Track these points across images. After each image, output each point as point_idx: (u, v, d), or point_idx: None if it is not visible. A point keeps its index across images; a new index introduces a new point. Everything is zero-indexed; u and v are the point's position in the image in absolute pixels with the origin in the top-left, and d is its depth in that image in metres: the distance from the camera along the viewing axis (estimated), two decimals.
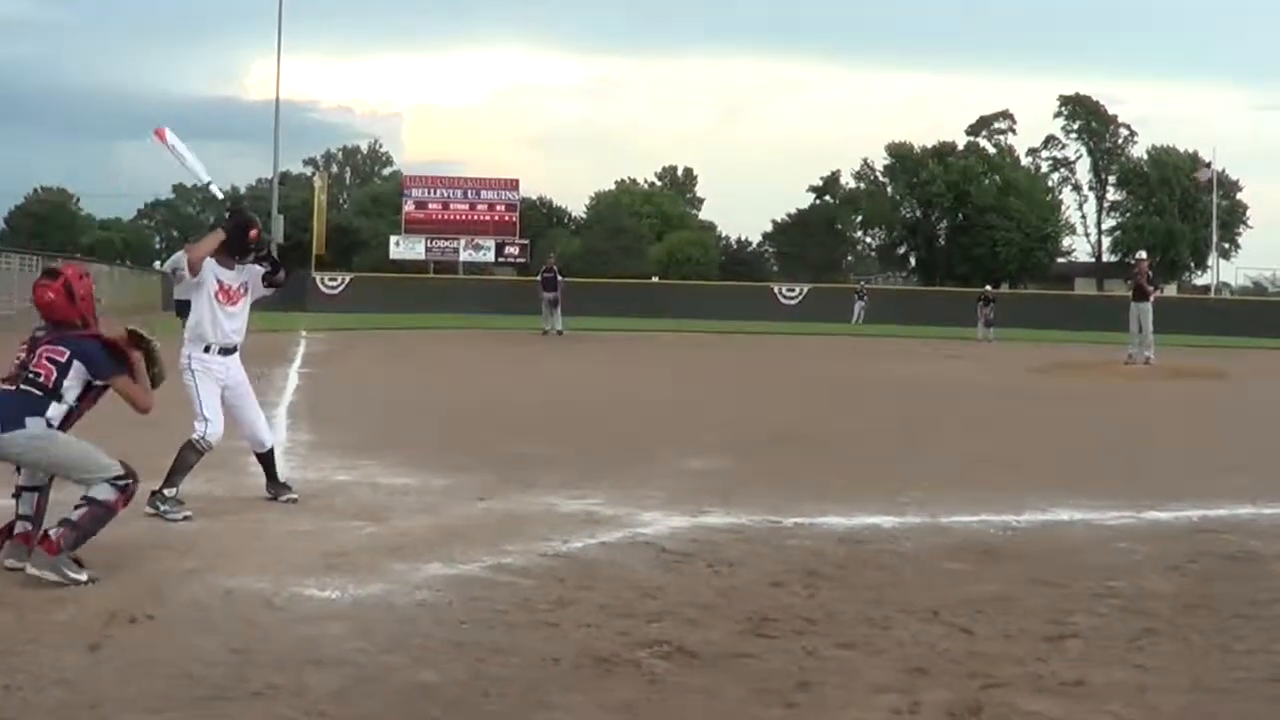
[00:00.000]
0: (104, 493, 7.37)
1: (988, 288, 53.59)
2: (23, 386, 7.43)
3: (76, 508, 7.33)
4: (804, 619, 6.75)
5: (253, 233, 9.57)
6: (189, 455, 9.44)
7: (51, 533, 7.22)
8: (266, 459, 10.06)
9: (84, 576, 7.09)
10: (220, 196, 10.09)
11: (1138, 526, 9.59)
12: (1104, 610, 7.09)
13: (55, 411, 7.45)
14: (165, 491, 9.09)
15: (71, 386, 7.50)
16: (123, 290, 60.50)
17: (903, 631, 6.55)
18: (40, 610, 6.61)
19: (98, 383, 7.61)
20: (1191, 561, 8.36)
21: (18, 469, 7.65)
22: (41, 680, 5.50)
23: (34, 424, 7.34)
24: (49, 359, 7.48)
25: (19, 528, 7.48)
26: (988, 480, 11.70)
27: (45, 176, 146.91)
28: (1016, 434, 16.29)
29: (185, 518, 8.98)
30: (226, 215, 9.66)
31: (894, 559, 8.31)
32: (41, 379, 7.43)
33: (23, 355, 7.57)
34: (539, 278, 41.68)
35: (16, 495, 7.62)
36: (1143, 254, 34.98)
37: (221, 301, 9.54)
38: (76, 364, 7.50)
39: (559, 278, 40.71)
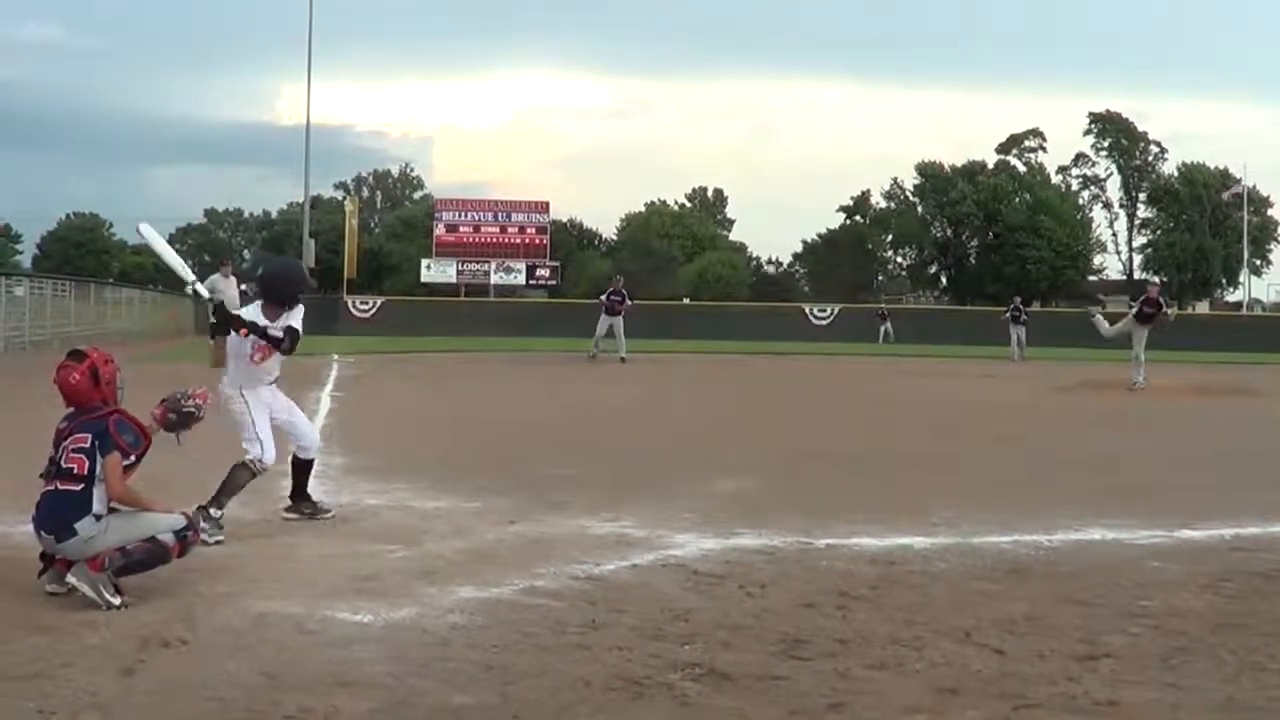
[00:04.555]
0: (164, 536, 7.51)
1: (1018, 299, 51.65)
2: (60, 486, 7.44)
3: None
4: (836, 640, 6.74)
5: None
6: (241, 475, 9.60)
7: (102, 553, 7.30)
8: (304, 469, 10.22)
9: (117, 601, 7.14)
10: (206, 296, 10.11)
11: (1170, 545, 9.54)
12: (1136, 629, 7.06)
13: (100, 496, 7.47)
14: (211, 511, 9.20)
15: (100, 468, 7.52)
16: (154, 315, 60.83)
17: (934, 652, 6.53)
18: (73, 634, 6.64)
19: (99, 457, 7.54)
20: (1224, 580, 8.31)
21: None
22: (75, 704, 5.53)
23: (84, 526, 7.37)
24: (75, 450, 7.49)
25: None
26: (1019, 499, 11.66)
27: (78, 202, 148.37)
28: (1047, 453, 16.21)
29: (218, 541, 9.01)
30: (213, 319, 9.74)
31: (925, 579, 8.28)
32: (75, 470, 7.45)
33: (54, 452, 7.59)
34: (603, 299, 38.38)
35: None
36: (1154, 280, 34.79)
37: (258, 361, 9.79)
38: (96, 443, 7.52)
39: (627, 300, 39.10)
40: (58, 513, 7.40)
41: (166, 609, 7.14)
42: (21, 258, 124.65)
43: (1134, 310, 28.31)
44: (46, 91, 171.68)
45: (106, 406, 7.71)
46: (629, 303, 37.87)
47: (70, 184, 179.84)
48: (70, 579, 7.23)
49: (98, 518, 7.42)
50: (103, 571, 7.23)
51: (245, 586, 7.74)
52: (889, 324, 62.89)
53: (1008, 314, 48.32)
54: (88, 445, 7.49)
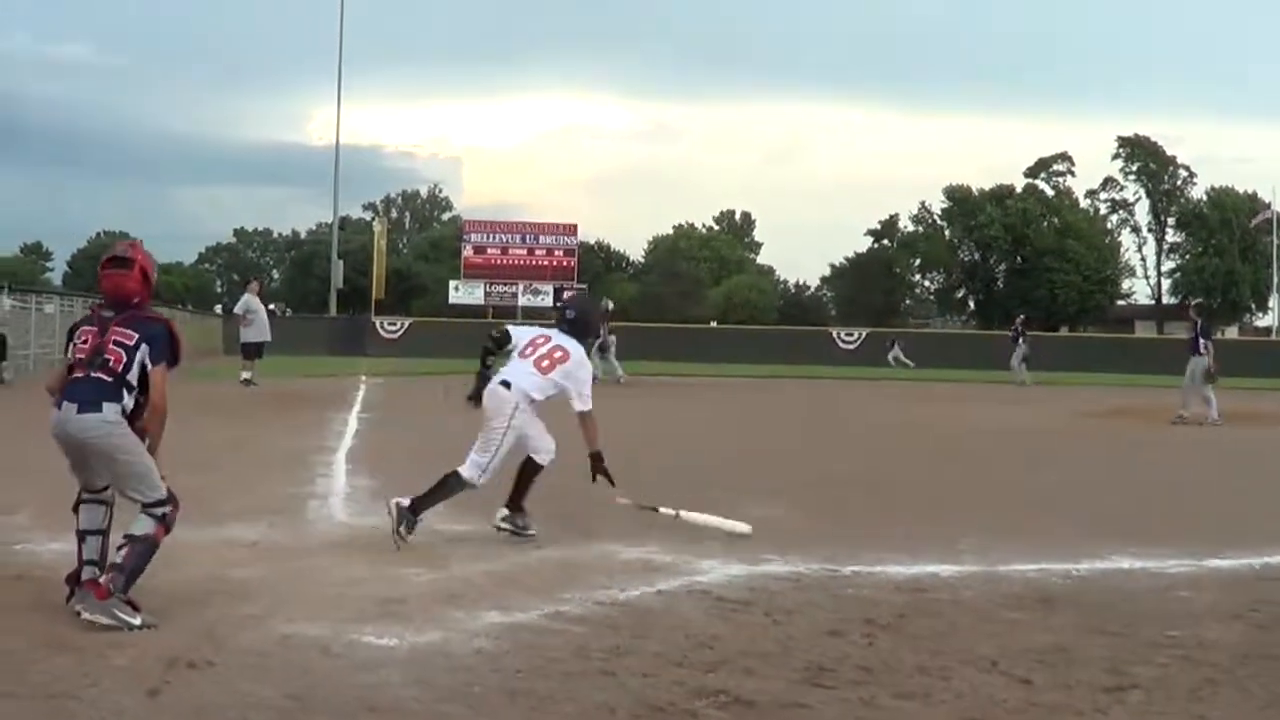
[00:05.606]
0: (144, 527, 7.44)
1: (1020, 319, 48.93)
2: (93, 374, 7.46)
3: (120, 548, 7.40)
4: (862, 669, 6.73)
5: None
6: (455, 488, 10.21)
7: (101, 578, 7.29)
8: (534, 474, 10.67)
9: (138, 620, 7.15)
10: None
11: (1198, 574, 9.51)
12: (1164, 660, 7.03)
13: (127, 401, 7.49)
14: (422, 514, 9.93)
15: (135, 374, 7.53)
16: (184, 334, 61.05)
17: (961, 682, 6.51)
18: (100, 654, 6.66)
19: (148, 364, 7.58)
20: (1253, 610, 8.28)
21: (76, 504, 7.71)
22: None
23: (111, 408, 7.41)
24: (117, 343, 7.51)
25: (86, 573, 7.48)
26: (1046, 528, 11.61)
27: (108, 220, 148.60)
28: (1075, 480, 16.14)
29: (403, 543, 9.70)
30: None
31: (952, 608, 8.26)
32: (111, 363, 7.46)
33: (90, 339, 7.57)
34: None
35: (81, 540, 7.62)
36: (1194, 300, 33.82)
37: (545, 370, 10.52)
38: (143, 347, 7.55)
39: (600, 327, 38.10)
40: (85, 390, 7.45)
41: (192, 630, 7.15)
42: (52, 275, 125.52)
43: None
44: (80, 110, 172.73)
45: (154, 310, 7.84)
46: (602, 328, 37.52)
47: (102, 202, 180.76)
48: (85, 616, 7.19)
49: (123, 411, 7.47)
50: (111, 597, 7.22)
51: (271, 608, 7.75)
52: (899, 350, 61.94)
53: (1010, 335, 46.16)
54: (131, 344, 7.54)
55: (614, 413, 26.96)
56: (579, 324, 10.78)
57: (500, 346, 10.64)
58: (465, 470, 10.16)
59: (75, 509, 7.70)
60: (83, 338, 7.64)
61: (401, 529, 9.72)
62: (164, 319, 7.84)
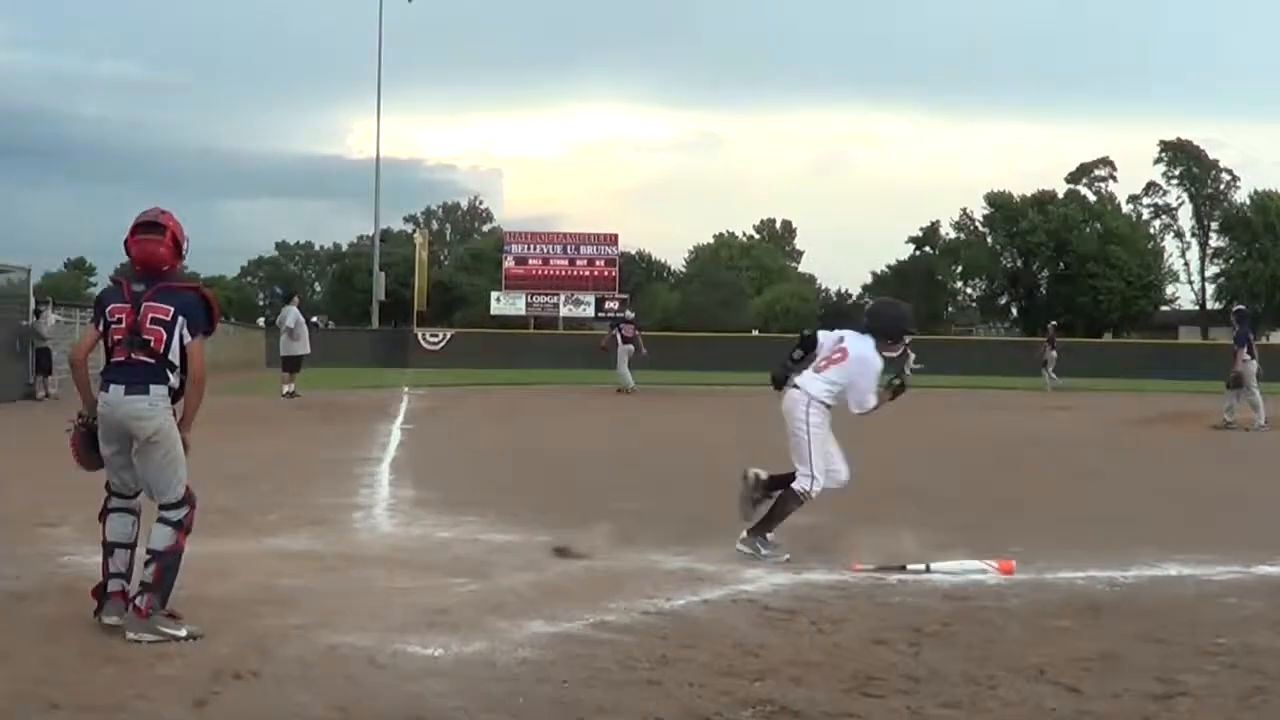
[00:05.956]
0: (164, 539, 7.40)
1: (1051, 325, 48.31)
2: (134, 355, 7.40)
3: (146, 564, 7.38)
4: (908, 678, 6.69)
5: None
6: (791, 504, 10.27)
7: (138, 600, 7.28)
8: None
9: (183, 631, 7.18)
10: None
11: (1247, 581, 9.43)
12: (1214, 668, 6.96)
13: (173, 380, 7.46)
14: (767, 535, 10.07)
15: (176, 352, 7.45)
16: (226, 347, 61.30)
17: (1009, 690, 6.47)
18: (146, 665, 6.69)
19: (186, 337, 7.50)
20: None
21: (103, 513, 7.72)
22: None
23: (156, 391, 7.39)
24: (154, 320, 7.42)
25: (113, 585, 7.50)
26: (1093, 535, 11.54)
27: None
28: (1121, 487, 16.05)
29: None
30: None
31: (999, 616, 8.21)
32: (152, 344, 7.40)
33: (125, 317, 7.46)
34: (620, 330, 39.05)
35: (109, 553, 7.60)
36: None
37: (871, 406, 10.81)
38: (180, 319, 7.48)
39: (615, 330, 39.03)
40: (132, 373, 7.41)
41: (239, 641, 7.17)
42: (95, 290, 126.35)
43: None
44: (122, 126, 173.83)
45: (186, 279, 7.75)
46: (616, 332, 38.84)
47: None
48: (131, 637, 7.16)
49: (170, 392, 7.46)
50: (152, 614, 7.23)
51: (317, 619, 7.76)
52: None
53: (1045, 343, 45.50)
54: (168, 319, 7.45)
55: (657, 422, 26.94)
56: (874, 326, 10.86)
57: (807, 350, 10.88)
58: (797, 485, 10.35)
59: (101, 517, 7.70)
60: (115, 316, 7.51)
61: (767, 555, 9.98)
62: (195, 286, 7.71)
